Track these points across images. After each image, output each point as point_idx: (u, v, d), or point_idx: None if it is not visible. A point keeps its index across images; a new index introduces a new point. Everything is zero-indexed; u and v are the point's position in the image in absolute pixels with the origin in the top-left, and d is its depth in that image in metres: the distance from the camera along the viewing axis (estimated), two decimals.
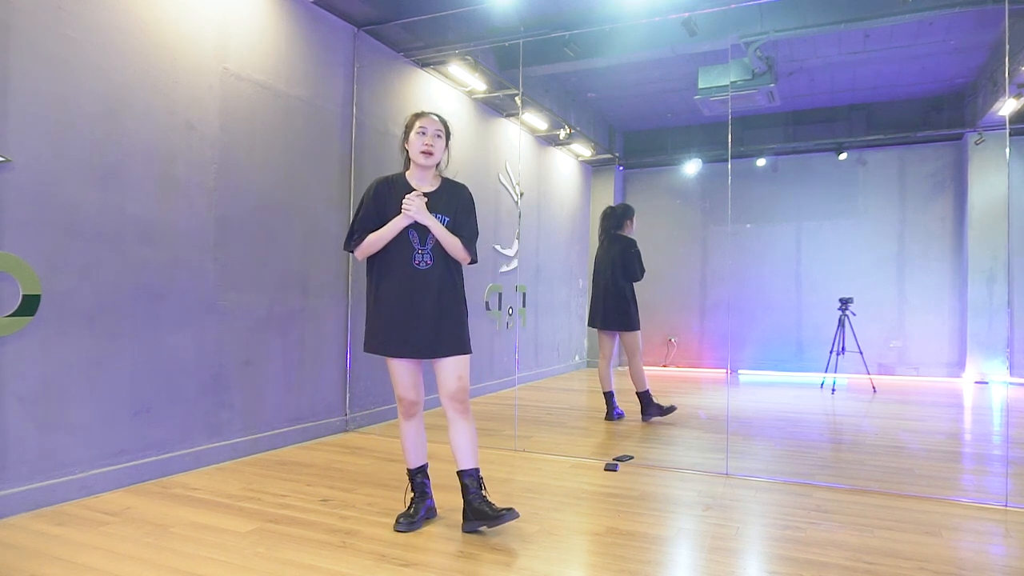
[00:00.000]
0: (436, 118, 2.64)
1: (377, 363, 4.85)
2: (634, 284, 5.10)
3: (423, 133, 2.58)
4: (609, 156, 7.99)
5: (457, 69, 5.39)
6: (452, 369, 2.60)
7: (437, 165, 2.68)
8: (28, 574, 2.15)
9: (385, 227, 2.55)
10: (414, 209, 2.51)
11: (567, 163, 7.95)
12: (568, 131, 6.98)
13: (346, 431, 4.53)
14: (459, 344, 2.61)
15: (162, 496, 3.00)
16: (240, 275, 3.76)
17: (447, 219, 2.61)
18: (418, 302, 2.55)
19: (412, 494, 2.72)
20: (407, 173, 2.67)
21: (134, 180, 3.18)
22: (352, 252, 2.62)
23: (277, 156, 4.02)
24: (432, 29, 4.96)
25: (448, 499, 2.95)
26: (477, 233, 2.70)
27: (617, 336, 5.15)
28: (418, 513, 2.66)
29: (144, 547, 2.39)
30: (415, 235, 2.57)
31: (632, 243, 5.11)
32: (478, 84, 5.72)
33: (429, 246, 2.58)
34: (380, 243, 2.56)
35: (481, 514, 2.52)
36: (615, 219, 5.19)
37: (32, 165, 2.77)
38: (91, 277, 3.00)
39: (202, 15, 3.54)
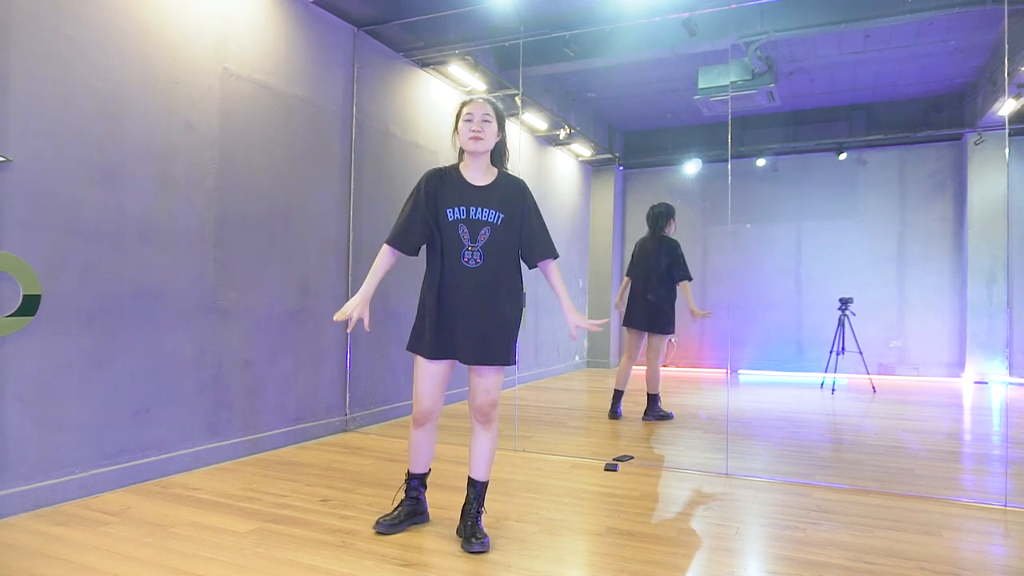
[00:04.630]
0: (484, 101, 2.47)
1: (377, 363, 4.85)
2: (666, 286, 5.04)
3: (470, 120, 2.42)
4: (609, 156, 7.99)
5: (457, 69, 5.39)
6: (486, 381, 2.45)
7: (493, 157, 2.51)
8: (28, 574, 2.15)
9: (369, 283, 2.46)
10: None
11: (567, 163, 7.95)
12: (568, 131, 6.98)
13: (346, 431, 4.52)
14: (502, 355, 2.44)
15: (162, 496, 3.00)
16: (240, 275, 3.76)
17: (501, 216, 2.42)
18: (463, 303, 2.40)
19: (403, 496, 2.65)
20: (460, 165, 2.50)
21: (134, 180, 3.18)
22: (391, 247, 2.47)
23: (277, 156, 4.02)
24: (432, 29, 4.96)
25: (449, 499, 2.95)
26: (546, 229, 2.55)
27: (645, 336, 5.12)
28: (399, 518, 2.58)
29: (144, 547, 2.39)
30: (465, 230, 2.40)
31: (677, 244, 5.08)
32: (478, 84, 5.71)
33: (480, 243, 2.39)
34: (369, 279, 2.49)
35: (465, 532, 2.47)
36: (662, 219, 5.13)
37: (32, 165, 2.77)
38: (91, 277, 3.00)
39: (202, 15, 3.54)
